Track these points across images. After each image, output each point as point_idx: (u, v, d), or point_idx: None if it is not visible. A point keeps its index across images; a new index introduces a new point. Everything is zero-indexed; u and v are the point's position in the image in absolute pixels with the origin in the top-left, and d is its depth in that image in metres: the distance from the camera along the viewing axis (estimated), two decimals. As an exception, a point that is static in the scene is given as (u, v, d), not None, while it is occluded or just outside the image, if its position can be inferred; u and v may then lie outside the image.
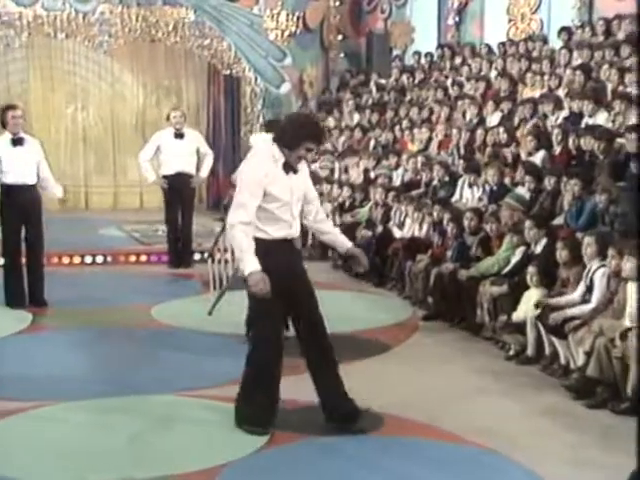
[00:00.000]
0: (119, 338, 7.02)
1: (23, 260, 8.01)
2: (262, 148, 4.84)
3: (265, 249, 4.60)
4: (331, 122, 14.69)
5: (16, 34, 14.92)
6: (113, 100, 16.14)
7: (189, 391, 5.58)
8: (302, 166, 4.85)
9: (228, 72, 15.75)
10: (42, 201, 8.18)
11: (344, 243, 5.04)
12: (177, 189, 10.01)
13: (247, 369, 4.86)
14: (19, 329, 7.28)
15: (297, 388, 5.55)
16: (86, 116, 16.06)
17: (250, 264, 4.51)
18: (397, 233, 9.37)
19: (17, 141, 7.82)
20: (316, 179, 12.11)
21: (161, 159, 10.18)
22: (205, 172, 10.41)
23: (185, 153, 10.05)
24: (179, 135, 10.07)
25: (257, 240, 4.61)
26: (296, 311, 4.88)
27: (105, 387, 5.64)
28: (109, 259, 10.67)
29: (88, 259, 10.60)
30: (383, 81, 15.10)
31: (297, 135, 4.66)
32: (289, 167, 4.71)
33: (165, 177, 10.10)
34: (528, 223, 6.83)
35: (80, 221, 13.78)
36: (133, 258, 10.75)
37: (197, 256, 10.26)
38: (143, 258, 10.73)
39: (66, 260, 10.41)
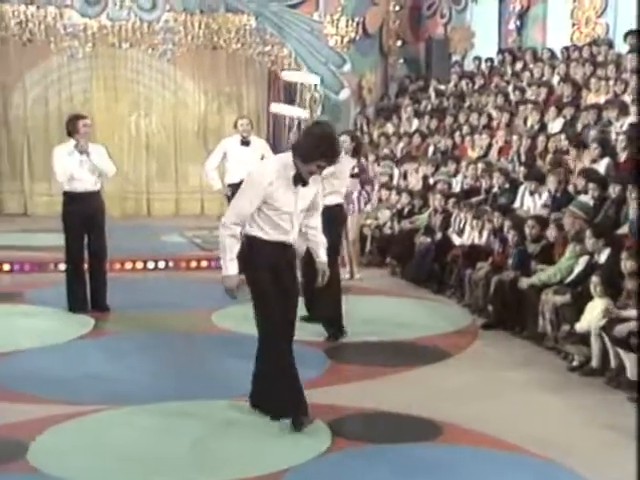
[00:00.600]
0: (180, 343, 7.10)
1: (86, 266, 8.15)
2: (279, 155, 5.01)
3: (261, 247, 4.84)
4: (390, 128, 14.67)
5: (80, 45, 15.25)
6: (175, 108, 16.35)
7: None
8: (314, 178, 4.87)
9: (288, 78, 15.85)
10: (105, 208, 8.31)
11: (320, 256, 5.17)
12: None
13: (262, 367, 5.01)
14: (81, 334, 7.39)
15: (362, 395, 5.57)
16: (149, 123, 16.29)
17: (231, 268, 4.81)
18: (456, 240, 9.30)
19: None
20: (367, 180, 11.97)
21: (227, 166, 10.21)
22: None
23: (251, 161, 10.01)
24: (245, 143, 10.11)
25: (255, 238, 4.83)
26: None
27: (165, 392, 5.70)
28: (171, 265, 10.81)
29: (150, 265, 10.76)
30: (442, 87, 15.02)
31: (311, 151, 4.72)
32: (299, 179, 4.77)
33: (230, 185, 10.11)
34: (588, 232, 6.72)
35: (142, 227, 13.98)
36: (194, 264, 10.87)
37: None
38: (204, 264, 10.83)
39: (129, 266, 10.57)
